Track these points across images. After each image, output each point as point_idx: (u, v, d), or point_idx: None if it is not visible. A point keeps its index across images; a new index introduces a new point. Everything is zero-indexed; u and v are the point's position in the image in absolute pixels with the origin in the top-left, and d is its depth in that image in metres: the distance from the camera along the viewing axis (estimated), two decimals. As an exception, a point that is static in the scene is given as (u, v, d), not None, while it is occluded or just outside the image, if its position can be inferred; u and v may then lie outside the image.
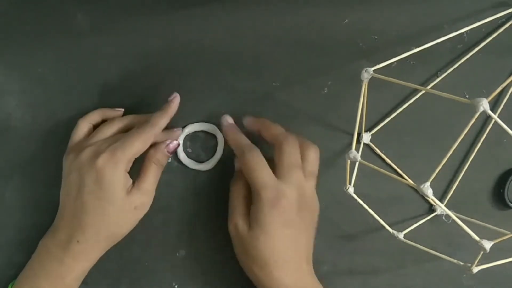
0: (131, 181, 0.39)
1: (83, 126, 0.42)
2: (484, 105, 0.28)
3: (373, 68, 0.35)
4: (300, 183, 0.38)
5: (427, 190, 0.31)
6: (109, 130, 0.41)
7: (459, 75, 0.45)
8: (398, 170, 0.45)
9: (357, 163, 0.40)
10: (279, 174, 0.38)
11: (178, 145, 0.43)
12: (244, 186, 0.40)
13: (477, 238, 0.32)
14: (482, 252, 0.33)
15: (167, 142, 0.42)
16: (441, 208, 0.40)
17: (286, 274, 0.37)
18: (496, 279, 0.45)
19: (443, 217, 0.45)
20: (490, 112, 0.28)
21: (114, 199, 0.38)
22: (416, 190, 0.45)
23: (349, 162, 0.37)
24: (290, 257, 0.38)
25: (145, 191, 0.40)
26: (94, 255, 0.40)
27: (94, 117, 0.42)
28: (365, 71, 0.35)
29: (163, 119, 0.40)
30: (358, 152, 0.36)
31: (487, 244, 0.32)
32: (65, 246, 0.38)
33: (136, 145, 0.38)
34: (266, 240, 0.37)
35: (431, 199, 0.31)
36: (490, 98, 0.29)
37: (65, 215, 0.39)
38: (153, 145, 0.41)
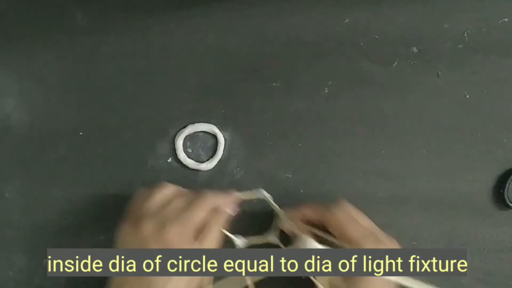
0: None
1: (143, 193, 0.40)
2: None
3: None
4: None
5: None
6: (180, 202, 0.38)
7: (459, 75, 0.45)
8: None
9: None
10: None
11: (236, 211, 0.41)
12: None
13: None
14: None
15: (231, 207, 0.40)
16: None
17: None
18: (496, 279, 0.45)
19: None
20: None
21: None
22: (415, 190, 0.45)
23: None
24: None
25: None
26: None
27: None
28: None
29: (223, 200, 0.39)
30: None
31: None
32: None
33: (201, 214, 0.37)
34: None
35: None
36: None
37: None
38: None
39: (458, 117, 0.45)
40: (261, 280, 0.40)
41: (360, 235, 0.37)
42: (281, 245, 0.41)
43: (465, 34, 0.45)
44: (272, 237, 0.42)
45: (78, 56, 0.44)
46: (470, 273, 0.44)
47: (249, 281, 0.39)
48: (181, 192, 0.40)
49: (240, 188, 0.42)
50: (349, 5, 0.44)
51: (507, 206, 0.45)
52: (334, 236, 0.38)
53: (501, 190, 0.45)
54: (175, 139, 0.44)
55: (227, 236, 0.40)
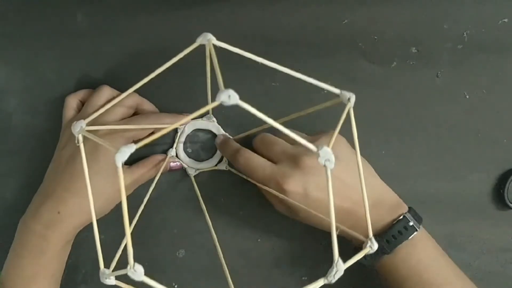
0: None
1: (72, 102, 0.42)
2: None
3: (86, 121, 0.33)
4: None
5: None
6: (119, 110, 0.41)
7: (459, 75, 0.45)
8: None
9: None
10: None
11: (180, 168, 0.44)
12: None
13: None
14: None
15: (176, 161, 0.43)
16: None
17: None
18: (496, 279, 0.45)
19: None
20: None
21: (106, 172, 0.38)
22: (415, 190, 0.45)
23: None
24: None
25: (135, 176, 0.40)
26: (73, 229, 0.39)
27: (81, 94, 0.43)
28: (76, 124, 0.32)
29: (170, 120, 0.41)
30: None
31: None
32: (45, 218, 0.37)
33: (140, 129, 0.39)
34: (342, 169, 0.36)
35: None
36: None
37: (50, 187, 0.39)
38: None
39: (458, 117, 0.45)
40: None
41: (264, 178, 0.37)
42: (233, 170, 0.44)
43: (465, 34, 0.45)
44: (222, 164, 0.44)
45: (78, 56, 0.44)
46: (470, 273, 0.44)
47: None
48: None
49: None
50: (348, 5, 0.44)
51: (507, 206, 0.45)
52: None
53: (501, 190, 0.45)
54: (175, 139, 0.44)
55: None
